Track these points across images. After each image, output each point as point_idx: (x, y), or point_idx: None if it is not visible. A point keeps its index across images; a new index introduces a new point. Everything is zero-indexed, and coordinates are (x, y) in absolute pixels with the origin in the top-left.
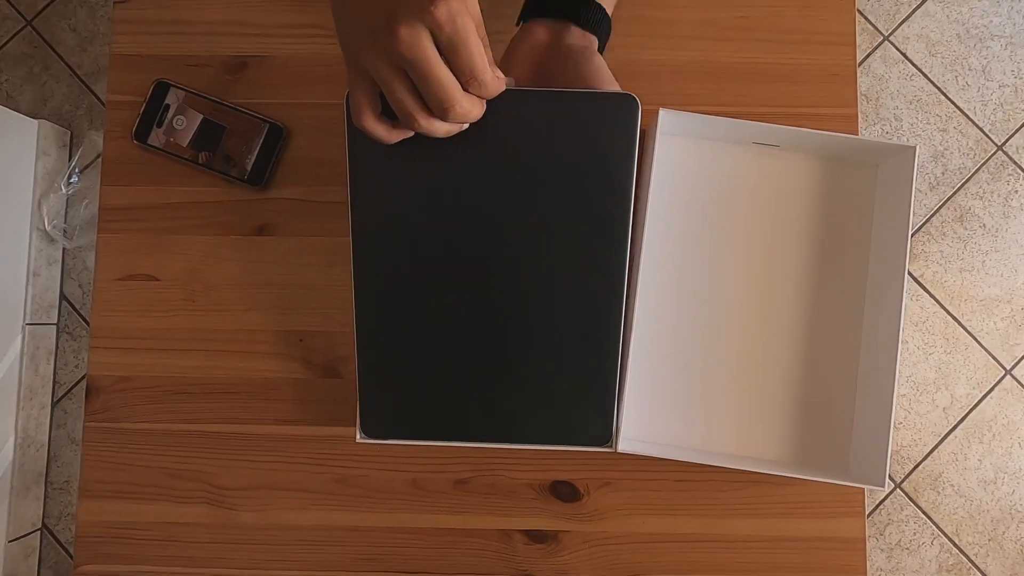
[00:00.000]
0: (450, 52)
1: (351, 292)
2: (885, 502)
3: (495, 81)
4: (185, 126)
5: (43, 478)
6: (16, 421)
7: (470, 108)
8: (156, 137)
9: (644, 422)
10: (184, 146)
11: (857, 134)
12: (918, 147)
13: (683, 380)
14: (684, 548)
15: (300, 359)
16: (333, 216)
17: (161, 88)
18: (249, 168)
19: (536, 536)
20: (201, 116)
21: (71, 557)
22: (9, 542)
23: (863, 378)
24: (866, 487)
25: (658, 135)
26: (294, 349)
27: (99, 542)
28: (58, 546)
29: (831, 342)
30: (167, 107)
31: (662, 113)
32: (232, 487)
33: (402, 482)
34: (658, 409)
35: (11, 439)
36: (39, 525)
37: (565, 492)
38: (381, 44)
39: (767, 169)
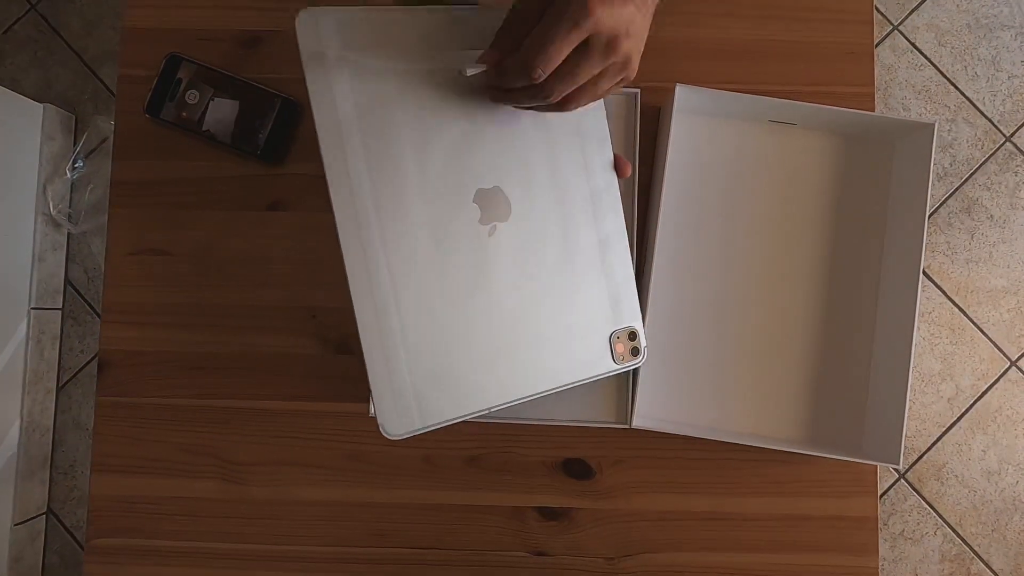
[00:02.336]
0: (581, 56)
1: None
2: (889, 492)
3: (555, 111)
4: (198, 100)
5: (48, 462)
6: (21, 406)
7: (523, 91)
8: (168, 111)
9: (659, 400)
10: (196, 120)
11: (874, 112)
12: (937, 123)
13: (698, 358)
14: (696, 526)
15: (313, 335)
16: None
17: (173, 62)
18: (262, 143)
19: (548, 513)
20: (214, 90)
21: (76, 541)
22: (15, 525)
23: (878, 357)
24: (879, 464)
25: (674, 112)
26: (307, 325)
27: (111, 516)
28: (63, 530)
29: (846, 321)
30: (179, 81)
31: (678, 89)
32: (244, 462)
33: (414, 459)
34: (673, 387)
35: (16, 423)
36: (44, 509)
37: (578, 469)
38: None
39: (784, 147)
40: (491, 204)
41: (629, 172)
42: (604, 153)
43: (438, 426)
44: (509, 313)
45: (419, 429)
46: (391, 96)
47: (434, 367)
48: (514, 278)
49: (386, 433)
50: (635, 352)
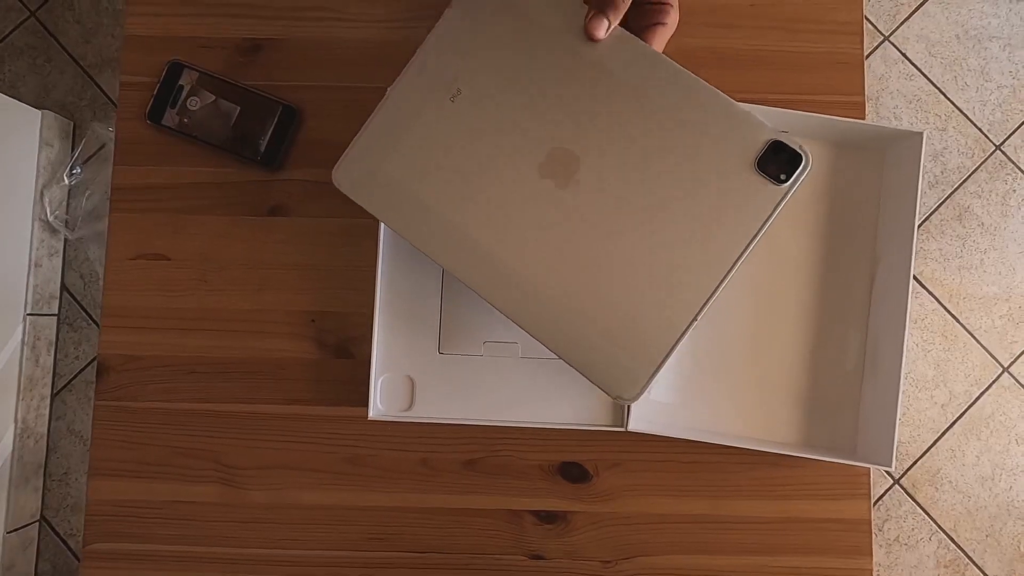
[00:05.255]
0: None
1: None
2: (884, 498)
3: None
4: (199, 107)
5: (42, 469)
6: (16, 412)
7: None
8: (170, 117)
9: (655, 404)
10: (197, 126)
11: (865, 121)
12: (925, 132)
13: (693, 362)
14: (692, 529)
15: (312, 339)
16: (346, 198)
17: (175, 69)
18: (262, 149)
19: (545, 516)
20: (215, 97)
21: (69, 549)
22: (8, 533)
23: (870, 361)
24: (873, 467)
25: None
26: (306, 329)
27: (109, 521)
28: (56, 538)
29: (839, 325)
30: (181, 88)
31: None
32: (242, 466)
33: (412, 462)
34: (668, 391)
35: (11, 430)
36: (37, 517)
37: (574, 473)
38: None
39: None
40: (560, 166)
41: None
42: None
43: (659, 368)
44: (643, 238)
45: (650, 375)
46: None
47: (615, 323)
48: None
49: (625, 401)
50: (794, 160)
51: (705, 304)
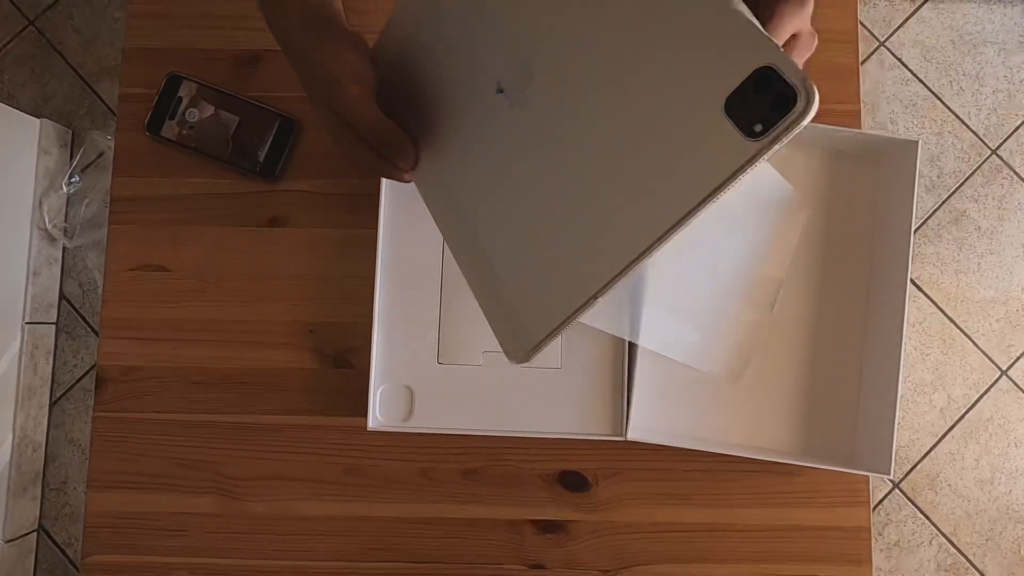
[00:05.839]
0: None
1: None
2: (884, 502)
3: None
4: (198, 118)
5: (40, 479)
6: (14, 421)
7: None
8: (169, 129)
9: (653, 412)
10: (196, 138)
11: (861, 129)
12: (921, 141)
13: (692, 371)
14: (692, 537)
15: (311, 350)
16: (344, 208)
17: (174, 81)
18: (261, 160)
19: (545, 526)
20: (213, 108)
21: (68, 558)
22: (6, 543)
23: (868, 368)
24: (871, 475)
25: None
26: (305, 340)
27: (108, 532)
28: (55, 547)
29: (837, 332)
30: (180, 99)
31: None
32: (242, 477)
33: (412, 472)
34: (667, 400)
35: (9, 439)
36: (35, 526)
37: (574, 482)
38: None
39: (772, 164)
40: (514, 79)
41: None
42: None
43: (558, 330)
44: (577, 170)
45: (541, 340)
46: None
47: (525, 265)
48: (559, 130)
49: (512, 360)
50: (781, 102)
51: (620, 273)
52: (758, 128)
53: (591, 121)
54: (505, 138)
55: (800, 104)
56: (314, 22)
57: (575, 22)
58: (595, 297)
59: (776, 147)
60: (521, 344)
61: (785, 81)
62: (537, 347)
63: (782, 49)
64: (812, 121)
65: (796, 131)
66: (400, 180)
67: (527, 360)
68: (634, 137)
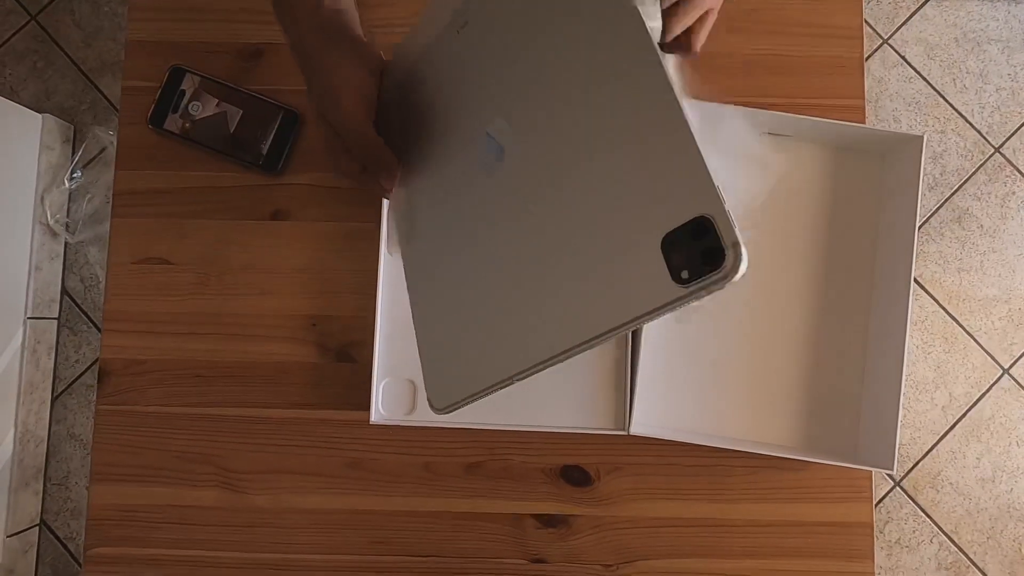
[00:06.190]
0: None
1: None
2: (885, 500)
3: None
4: (201, 111)
5: (42, 473)
6: (16, 415)
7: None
8: (172, 122)
9: (656, 407)
10: (199, 131)
11: (865, 124)
12: (925, 136)
13: (695, 366)
14: (694, 532)
15: (313, 343)
16: (347, 202)
17: (177, 74)
18: (264, 154)
19: (547, 520)
20: (216, 101)
21: (69, 553)
22: (8, 537)
23: (871, 363)
24: (874, 470)
25: None
26: (307, 333)
27: (110, 525)
28: (56, 541)
29: (840, 328)
30: (183, 93)
31: None
32: (244, 470)
33: (414, 466)
34: (670, 394)
35: (11, 433)
36: (37, 520)
37: (576, 476)
38: None
39: (777, 159)
40: (494, 142)
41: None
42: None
43: (475, 398)
44: (521, 257)
45: (461, 400)
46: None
47: (461, 334)
48: (520, 215)
49: (433, 408)
50: (711, 257)
51: (537, 366)
52: (684, 275)
53: (557, 206)
54: (473, 197)
55: (727, 264)
56: (325, 28)
57: (553, 107)
58: (505, 383)
59: (698, 299)
60: (442, 397)
61: (719, 237)
62: (453, 407)
63: (724, 205)
64: (816, 116)
65: (719, 289)
66: (380, 195)
67: (444, 413)
68: (578, 243)
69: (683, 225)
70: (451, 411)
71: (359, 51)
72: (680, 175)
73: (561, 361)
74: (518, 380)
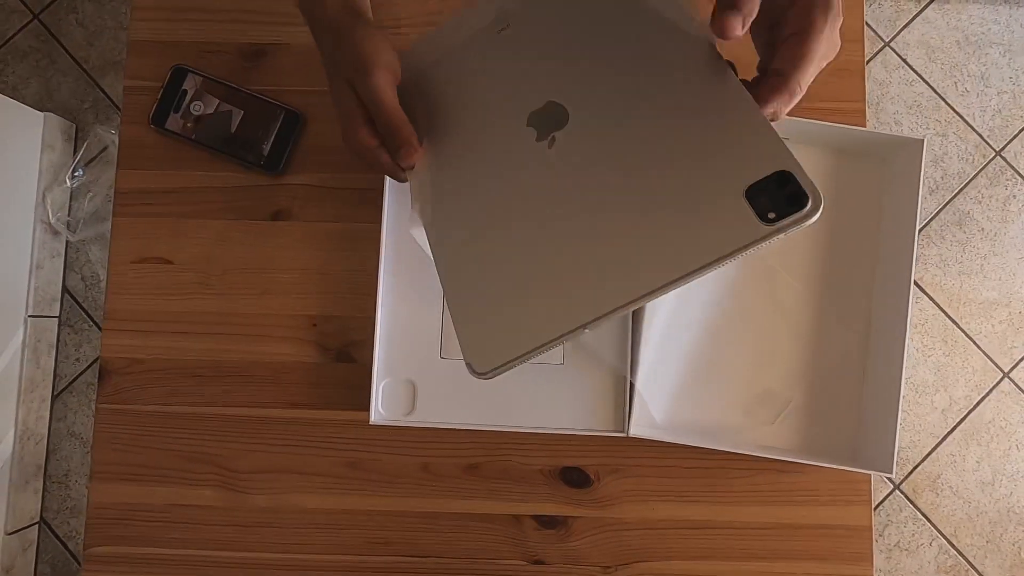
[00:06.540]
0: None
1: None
2: (884, 503)
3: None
4: (202, 111)
5: (42, 471)
6: (16, 414)
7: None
8: (173, 122)
9: (656, 410)
10: (201, 131)
11: (865, 127)
12: (926, 139)
13: (694, 367)
14: (693, 534)
15: (313, 343)
16: (348, 202)
17: (179, 74)
18: (265, 154)
19: (546, 521)
20: (218, 101)
21: (69, 551)
22: (7, 535)
23: (871, 366)
24: (873, 473)
25: None
26: (308, 333)
27: (110, 524)
28: (56, 540)
29: (840, 331)
30: (184, 92)
31: None
32: (244, 470)
33: (414, 467)
34: (670, 396)
35: (11, 431)
36: (37, 518)
37: (575, 478)
38: None
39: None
40: (546, 120)
41: (734, 29)
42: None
43: (529, 355)
44: (587, 216)
45: (508, 361)
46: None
47: (507, 294)
48: (589, 180)
49: (473, 372)
50: (795, 200)
51: (603, 316)
52: (771, 215)
53: (622, 170)
54: (526, 168)
55: (810, 205)
56: (351, 9)
57: (619, 91)
58: (564, 337)
59: (781, 235)
60: (485, 360)
61: (799, 185)
62: (499, 369)
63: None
64: (817, 119)
65: (802, 227)
66: (394, 176)
67: (489, 377)
68: (659, 196)
69: (766, 177)
70: (497, 374)
71: (383, 32)
72: (753, 138)
73: (639, 306)
74: (590, 328)
